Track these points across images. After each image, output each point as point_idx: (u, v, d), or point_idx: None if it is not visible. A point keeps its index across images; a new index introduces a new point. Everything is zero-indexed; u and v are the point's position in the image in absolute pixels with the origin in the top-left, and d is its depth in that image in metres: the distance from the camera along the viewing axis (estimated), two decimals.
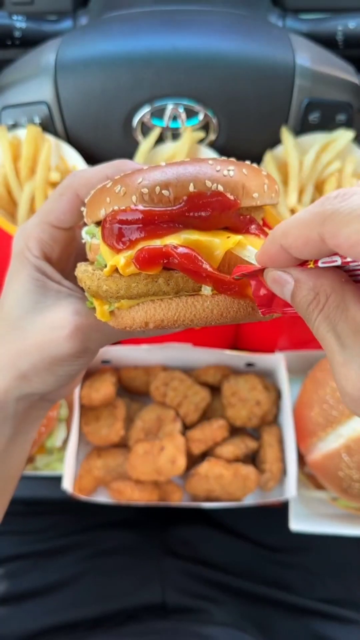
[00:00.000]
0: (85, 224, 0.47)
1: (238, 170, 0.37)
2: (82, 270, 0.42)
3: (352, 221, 0.26)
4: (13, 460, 0.50)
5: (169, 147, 0.83)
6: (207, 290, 0.37)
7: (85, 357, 0.45)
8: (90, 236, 0.43)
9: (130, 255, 0.37)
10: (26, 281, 0.44)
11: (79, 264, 0.44)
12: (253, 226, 0.39)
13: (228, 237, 0.37)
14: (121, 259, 0.37)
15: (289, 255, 0.31)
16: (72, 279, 0.46)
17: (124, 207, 0.37)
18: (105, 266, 0.39)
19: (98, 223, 0.42)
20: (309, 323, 0.32)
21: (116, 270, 0.38)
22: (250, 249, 0.37)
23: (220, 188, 0.36)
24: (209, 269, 0.36)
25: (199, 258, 0.36)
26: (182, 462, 0.87)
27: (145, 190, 0.36)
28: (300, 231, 0.30)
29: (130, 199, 0.37)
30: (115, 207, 0.37)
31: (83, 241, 0.45)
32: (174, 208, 0.36)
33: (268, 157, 0.81)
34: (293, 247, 0.30)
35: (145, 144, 0.81)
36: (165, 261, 0.36)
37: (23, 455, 0.51)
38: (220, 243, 0.37)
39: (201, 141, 0.82)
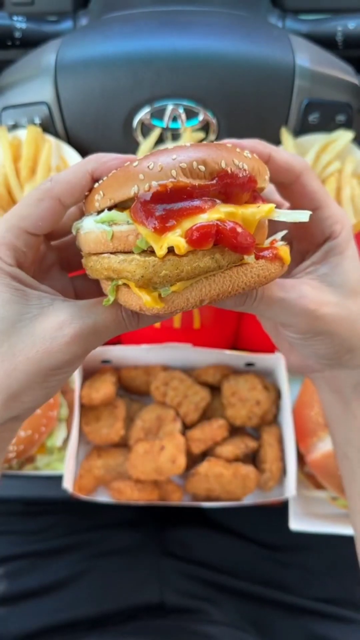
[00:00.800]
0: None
1: (251, 154, 0.42)
2: (118, 260, 0.39)
3: None
4: None
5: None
6: (251, 258, 0.39)
7: (79, 362, 0.43)
8: (109, 223, 0.40)
9: (182, 233, 0.36)
10: (5, 292, 0.42)
11: (98, 257, 0.41)
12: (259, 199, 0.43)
13: (258, 206, 0.40)
14: (180, 239, 0.36)
15: None
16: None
17: (165, 182, 0.37)
18: (145, 251, 0.38)
19: (107, 209, 0.41)
20: None
21: (168, 252, 0.37)
22: (279, 211, 0.41)
23: (246, 167, 0.39)
24: (253, 239, 0.38)
25: (245, 230, 0.38)
26: (182, 461, 0.87)
27: (183, 165, 0.37)
28: None
29: (169, 173, 0.37)
30: (154, 183, 0.37)
31: (83, 232, 0.43)
32: (214, 182, 0.38)
33: None
34: None
35: (145, 144, 0.81)
36: (218, 237, 0.36)
37: None
38: (256, 212, 0.39)
39: (201, 142, 0.83)
